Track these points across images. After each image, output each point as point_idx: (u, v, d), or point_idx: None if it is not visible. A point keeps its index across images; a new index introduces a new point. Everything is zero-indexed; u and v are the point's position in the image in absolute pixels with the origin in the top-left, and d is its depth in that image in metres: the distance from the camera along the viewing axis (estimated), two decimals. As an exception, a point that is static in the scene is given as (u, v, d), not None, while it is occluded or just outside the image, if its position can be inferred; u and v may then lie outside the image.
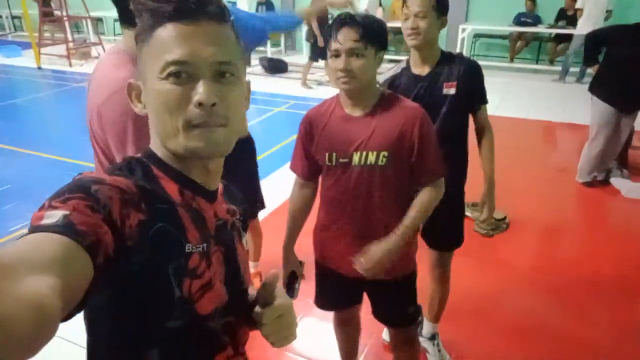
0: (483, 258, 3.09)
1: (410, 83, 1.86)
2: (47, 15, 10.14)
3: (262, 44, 1.79)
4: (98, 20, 11.70)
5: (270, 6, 10.67)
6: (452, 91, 1.82)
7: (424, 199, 1.55)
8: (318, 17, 6.51)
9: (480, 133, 2.00)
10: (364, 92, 1.52)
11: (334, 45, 1.46)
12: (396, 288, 1.69)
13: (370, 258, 1.52)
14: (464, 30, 8.71)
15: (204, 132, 0.72)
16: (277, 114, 6.16)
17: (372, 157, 1.51)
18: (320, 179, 1.69)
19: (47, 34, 10.55)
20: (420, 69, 1.87)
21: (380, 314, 1.79)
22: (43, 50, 9.45)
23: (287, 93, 7.32)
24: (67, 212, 0.58)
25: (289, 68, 8.85)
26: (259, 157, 2.26)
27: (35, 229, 0.56)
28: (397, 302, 1.73)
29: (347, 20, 1.46)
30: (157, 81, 0.71)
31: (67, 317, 0.53)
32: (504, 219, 3.43)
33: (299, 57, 10.07)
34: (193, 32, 0.71)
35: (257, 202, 2.49)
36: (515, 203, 3.65)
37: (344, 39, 1.44)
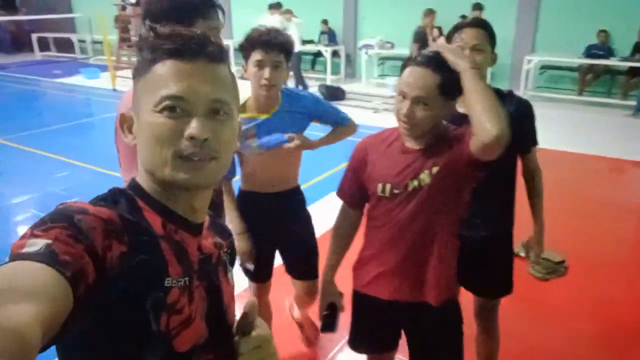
0: (536, 303, 2.89)
1: (456, 123, 1.64)
2: (125, 40, 10.94)
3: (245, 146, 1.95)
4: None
5: (332, 36, 10.90)
6: None
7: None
8: None
9: (529, 174, 1.91)
10: (426, 134, 1.46)
11: (400, 87, 1.41)
12: (439, 315, 1.57)
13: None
14: (529, 61, 8.44)
15: (192, 164, 0.72)
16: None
17: (425, 177, 1.44)
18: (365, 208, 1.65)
19: (124, 58, 11.32)
20: None
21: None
22: (119, 73, 10.10)
23: (343, 120, 7.33)
24: (49, 241, 0.58)
25: (347, 96, 8.92)
26: (304, 186, 2.23)
27: (16, 256, 0.56)
28: (438, 335, 1.60)
29: (422, 61, 1.38)
30: (152, 114, 0.72)
31: (44, 347, 0.52)
32: (562, 262, 3.21)
33: (357, 85, 10.13)
34: (191, 70, 0.73)
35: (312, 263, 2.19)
36: (576, 245, 3.42)
37: (413, 82, 1.38)
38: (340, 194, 1.68)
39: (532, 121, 1.81)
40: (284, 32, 1.85)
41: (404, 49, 9.84)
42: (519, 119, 1.71)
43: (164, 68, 0.73)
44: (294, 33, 8.68)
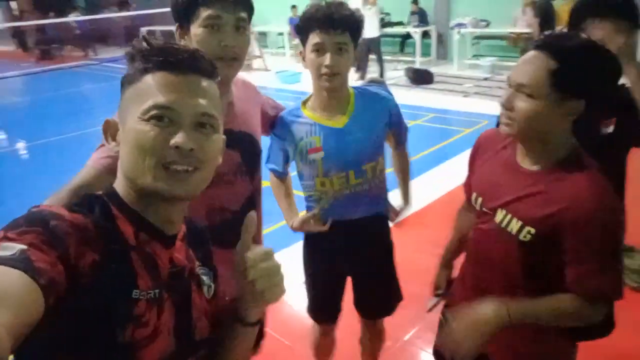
0: (628, 317, 2.47)
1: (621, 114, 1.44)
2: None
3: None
4: (261, 34, 12.72)
5: (423, 16, 10.45)
6: (610, 129, 1.47)
7: (563, 300, 1.13)
8: None
9: None
10: (538, 144, 1.14)
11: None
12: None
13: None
14: None
15: (175, 175, 0.73)
16: (411, 127, 5.93)
17: (514, 226, 1.16)
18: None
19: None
20: None
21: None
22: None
23: (427, 105, 7.00)
24: (24, 247, 0.58)
25: (436, 79, 8.51)
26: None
27: None
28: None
29: (537, 44, 1.10)
30: (139, 121, 0.73)
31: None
32: None
33: (449, 67, 9.64)
34: (182, 83, 0.75)
35: (392, 297, 1.83)
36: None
37: (520, 66, 1.10)
38: (466, 187, 1.42)
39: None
40: (349, 6, 1.47)
41: (501, 27, 9.17)
42: (630, 109, 1.42)
43: (155, 79, 0.74)
44: (375, 18, 8.39)
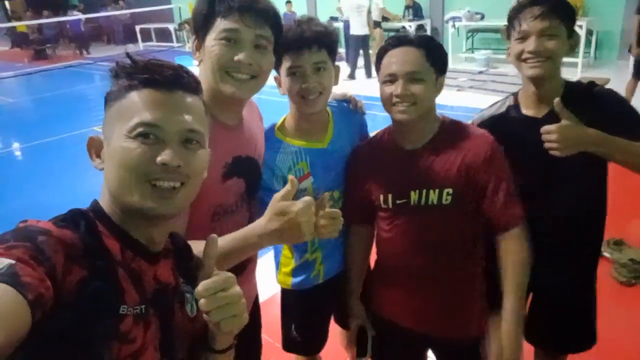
0: (617, 312, 2.49)
1: (522, 129, 1.39)
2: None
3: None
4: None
5: (418, 8, 10.46)
6: None
7: (513, 263, 1.31)
8: None
9: None
10: (423, 122, 1.33)
11: (389, 69, 1.29)
12: (461, 352, 1.45)
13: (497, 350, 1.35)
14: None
15: (161, 193, 0.73)
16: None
17: (433, 196, 1.30)
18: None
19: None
20: (535, 110, 1.40)
21: None
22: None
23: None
24: (12, 262, 0.58)
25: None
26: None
27: None
28: None
29: (405, 40, 1.30)
30: (124, 139, 0.73)
31: None
32: None
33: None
34: (167, 100, 0.75)
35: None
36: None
37: (403, 60, 1.27)
38: (347, 215, 1.33)
39: (623, 110, 1.37)
40: (320, 21, 1.38)
41: (496, 20, 9.17)
42: (605, 111, 1.34)
43: (140, 96, 0.75)
44: (363, 17, 8.36)
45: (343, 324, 1.81)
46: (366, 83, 8.33)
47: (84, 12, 16.09)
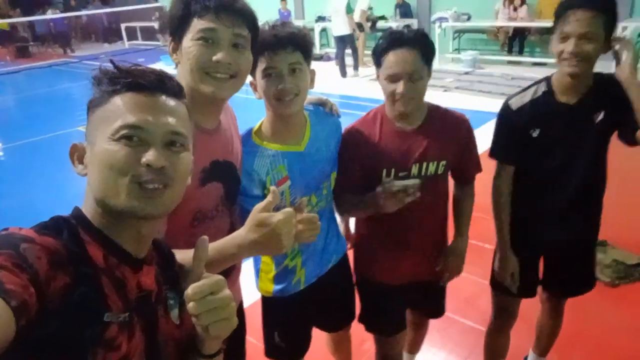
0: (601, 312, 2.53)
1: (554, 113, 1.57)
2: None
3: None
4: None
5: (407, 8, 10.52)
6: (608, 121, 1.55)
7: (469, 204, 1.73)
8: None
9: None
10: (417, 110, 1.53)
11: (392, 69, 1.43)
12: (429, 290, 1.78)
13: (456, 269, 1.72)
14: (625, 28, 7.55)
15: (147, 193, 0.73)
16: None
17: (432, 168, 1.55)
18: None
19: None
20: (568, 97, 1.56)
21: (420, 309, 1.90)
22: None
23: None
24: None
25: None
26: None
27: None
28: (430, 299, 1.85)
29: (404, 41, 1.42)
30: (108, 142, 0.73)
31: None
32: (638, 265, 2.79)
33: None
34: (150, 102, 0.76)
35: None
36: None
37: (403, 62, 1.41)
38: (344, 188, 1.57)
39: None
40: (294, 24, 1.39)
41: (482, 21, 9.26)
42: (622, 108, 1.48)
43: (124, 99, 0.75)
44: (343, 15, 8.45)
45: (327, 328, 1.83)
46: (355, 82, 8.37)
47: (68, 10, 15.88)
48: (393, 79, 1.43)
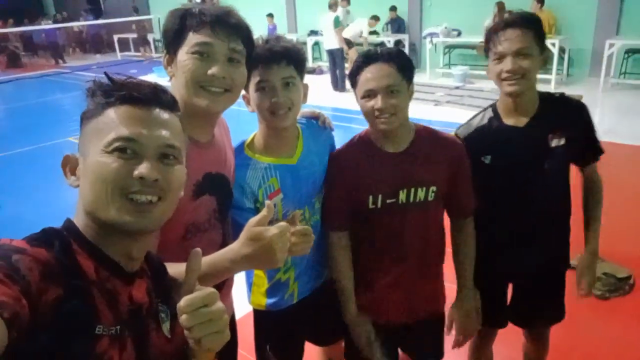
0: (592, 327, 2.52)
1: (504, 138, 1.54)
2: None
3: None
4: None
5: (401, 23, 10.65)
6: (562, 142, 1.52)
7: (471, 246, 1.57)
8: None
9: (589, 189, 1.66)
10: (402, 128, 1.44)
11: (367, 85, 1.37)
12: (423, 330, 1.62)
13: (464, 330, 1.61)
14: (611, 45, 7.70)
15: (139, 207, 0.73)
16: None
17: (421, 194, 1.45)
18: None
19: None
20: (516, 119, 1.54)
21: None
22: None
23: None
24: None
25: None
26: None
27: None
28: (424, 340, 1.66)
29: (376, 56, 1.38)
30: (101, 154, 0.73)
31: None
32: (628, 278, 2.82)
33: (421, 75, 9.80)
34: (144, 115, 0.76)
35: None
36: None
37: (379, 76, 1.35)
38: (332, 221, 1.52)
39: (592, 127, 1.58)
40: (287, 39, 1.40)
41: (472, 37, 9.38)
42: (581, 124, 1.56)
43: (117, 112, 0.75)
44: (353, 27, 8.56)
45: (322, 341, 1.80)
46: (348, 95, 8.43)
47: (61, 21, 15.89)
48: (370, 94, 1.37)
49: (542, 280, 1.71)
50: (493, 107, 1.61)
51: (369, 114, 1.39)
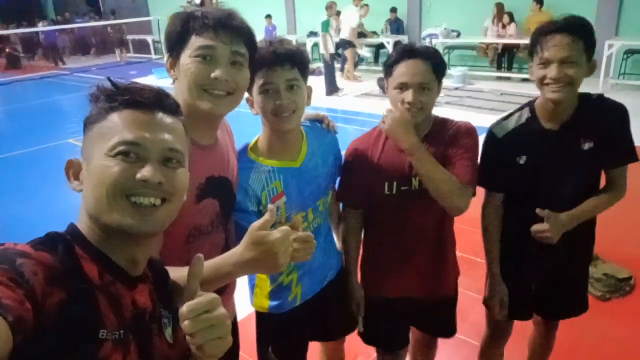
0: (591, 328, 2.48)
1: (540, 140, 1.54)
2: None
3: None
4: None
5: (400, 24, 10.66)
6: (592, 145, 1.51)
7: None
8: None
9: (606, 189, 1.61)
10: (423, 122, 1.51)
11: (402, 79, 1.44)
12: (437, 308, 1.72)
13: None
14: (611, 46, 7.71)
15: (141, 211, 0.73)
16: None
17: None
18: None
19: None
20: (553, 123, 1.52)
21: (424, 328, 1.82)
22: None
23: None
24: None
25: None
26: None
27: None
28: (438, 318, 1.77)
29: (415, 52, 1.45)
30: (105, 158, 0.73)
31: None
32: (629, 279, 2.82)
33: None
34: (148, 120, 0.76)
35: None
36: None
37: (415, 72, 1.42)
38: (347, 200, 1.66)
39: (626, 132, 1.52)
40: (291, 42, 1.40)
41: (472, 38, 9.40)
42: (614, 127, 1.52)
43: (121, 116, 0.75)
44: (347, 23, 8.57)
45: (328, 337, 1.81)
46: (344, 96, 8.42)
47: (61, 23, 15.90)
48: (403, 87, 1.43)
49: (566, 275, 1.74)
50: (531, 106, 1.58)
51: (397, 106, 1.46)
